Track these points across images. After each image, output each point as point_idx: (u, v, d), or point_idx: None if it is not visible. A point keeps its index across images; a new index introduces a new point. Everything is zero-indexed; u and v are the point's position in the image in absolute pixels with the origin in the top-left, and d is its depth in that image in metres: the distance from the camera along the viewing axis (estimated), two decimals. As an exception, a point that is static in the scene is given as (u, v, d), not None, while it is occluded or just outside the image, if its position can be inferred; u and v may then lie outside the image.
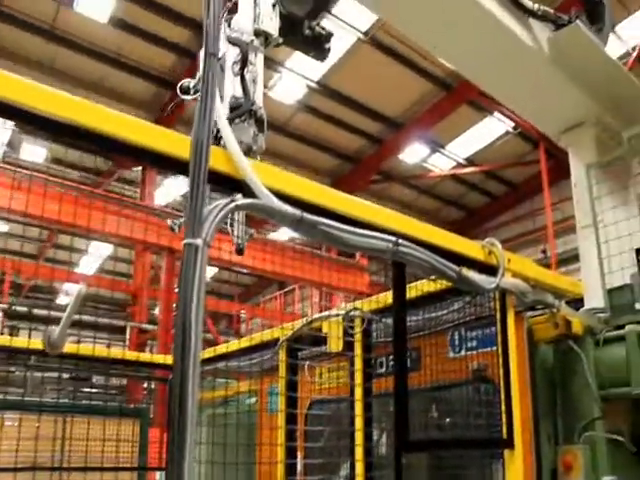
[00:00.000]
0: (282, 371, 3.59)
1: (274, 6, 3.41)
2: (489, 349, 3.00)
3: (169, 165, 1.66)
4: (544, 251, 19.26)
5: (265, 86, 11.88)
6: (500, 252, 2.75)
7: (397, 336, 2.35)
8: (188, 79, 3.57)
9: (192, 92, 3.41)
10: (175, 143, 1.63)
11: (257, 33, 3.37)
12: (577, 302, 3.95)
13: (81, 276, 19.99)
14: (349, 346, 3.21)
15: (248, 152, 3.02)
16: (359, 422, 2.92)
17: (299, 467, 3.48)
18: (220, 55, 3.13)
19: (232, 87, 3.20)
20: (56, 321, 2.62)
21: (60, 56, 14.14)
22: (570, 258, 15.02)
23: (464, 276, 2.47)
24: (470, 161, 19.02)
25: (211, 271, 23.00)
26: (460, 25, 3.66)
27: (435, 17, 3.62)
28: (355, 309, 3.28)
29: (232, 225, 2.85)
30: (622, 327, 3.29)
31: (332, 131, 17.14)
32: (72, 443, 4.88)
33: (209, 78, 1.51)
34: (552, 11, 3.70)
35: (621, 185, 4.15)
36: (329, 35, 3.61)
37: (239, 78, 3.17)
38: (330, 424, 3.66)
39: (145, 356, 5.51)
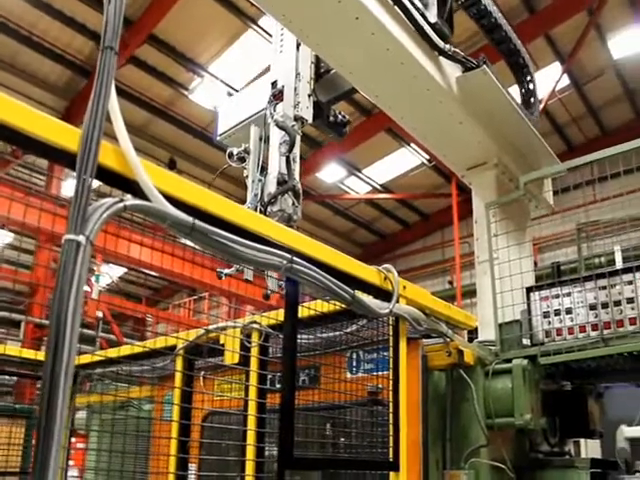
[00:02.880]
0: (177, 381, 3.53)
1: (309, 96, 4.23)
2: (386, 372, 3.07)
3: (56, 157, 1.61)
4: (451, 282, 20.02)
5: (186, 88, 11.88)
6: (395, 278, 2.84)
7: (286, 352, 2.37)
8: (234, 148, 4.43)
9: (235, 158, 4.36)
10: (64, 134, 1.59)
11: (296, 118, 4.14)
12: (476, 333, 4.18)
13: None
14: (246, 360, 3.21)
15: (289, 221, 3.90)
16: (251, 437, 2.90)
17: (192, 479, 3.43)
18: (270, 135, 4.13)
19: (278, 164, 4.00)
20: None
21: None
22: (475, 291, 15.64)
23: (358, 299, 2.54)
24: (385, 187, 19.54)
25: (120, 270, 22.27)
26: (375, 57, 3.80)
27: (351, 47, 3.76)
28: (253, 322, 3.28)
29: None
30: (510, 360, 3.51)
31: (252, 142, 17.12)
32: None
33: (105, 71, 1.49)
34: (462, 53, 3.91)
35: (518, 226, 4.42)
36: (347, 122, 4.51)
37: (284, 158, 3.97)
38: (226, 437, 3.62)
39: (14, 349, 5.18)
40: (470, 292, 16.71)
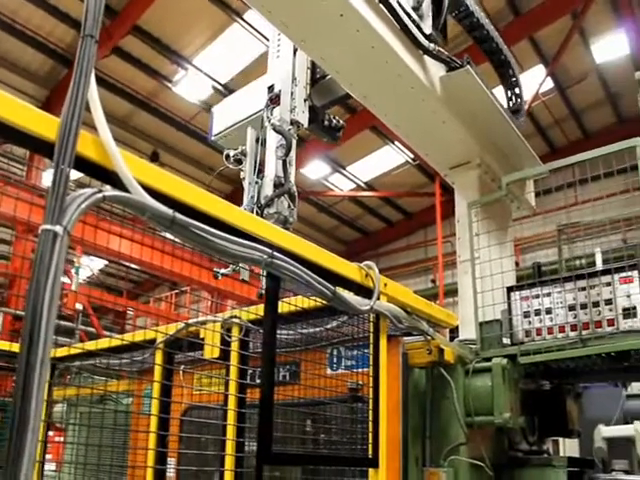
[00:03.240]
0: (157, 374, 3.51)
1: (305, 101, 4.37)
2: (366, 369, 3.09)
3: (35, 146, 1.58)
4: (433, 281, 20.14)
5: (170, 81, 11.89)
6: (376, 276, 2.84)
7: (266, 348, 2.37)
8: (231, 150, 4.52)
9: (232, 160, 4.44)
10: (42, 123, 1.56)
11: (292, 122, 4.27)
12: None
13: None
14: (226, 354, 3.19)
15: (285, 223, 4.00)
16: (230, 432, 2.89)
17: (170, 473, 3.41)
18: (266, 139, 4.24)
19: (275, 167, 4.12)
20: None
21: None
22: (457, 290, 15.74)
23: (339, 296, 2.54)
24: (369, 185, 19.58)
25: (100, 263, 22.06)
26: (360, 55, 3.80)
27: (336, 44, 3.76)
28: (234, 317, 3.26)
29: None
30: (490, 359, 3.53)
31: (236, 136, 17.05)
32: None
33: (84, 60, 1.47)
34: (446, 53, 3.92)
35: (499, 226, 4.45)
36: (342, 127, 4.69)
37: (281, 161, 4.10)
38: (206, 432, 3.61)
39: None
40: (452, 291, 16.83)
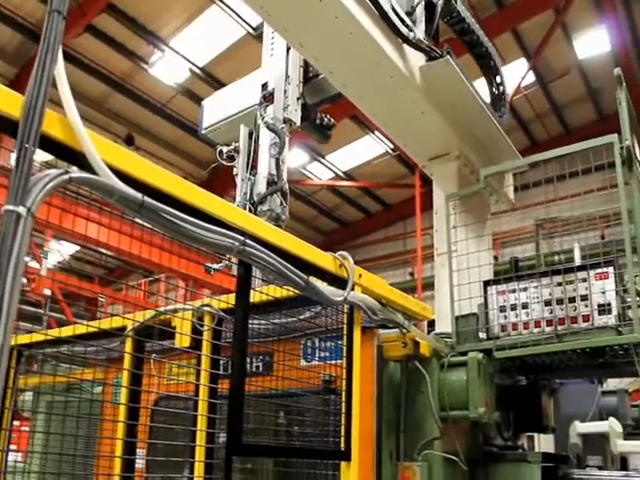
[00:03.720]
0: (126, 363, 3.47)
1: (298, 99, 4.50)
2: (341, 361, 3.08)
3: (-3, 123, 1.55)
4: (412, 274, 20.25)
5: (146, 62, 11.83)
6: (351, 266, 2.83)
7: (237, 337, 2.35)
8: (224, 146, 4.63)
9: (224, 156, 4.55)
10: (6, 100, 1.52)
11: (285, 120, 4.40)
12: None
13: None
14: (198, 344, 3.16)
15: (277, 220, 4.10)
16: (202, 422, 2.87)
17: (140, 464, 3.38)
18: (259, 136, 4.36)
19: (268, 165, 4.23)
20: None
21: None
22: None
23: (312, 285, 2.53)
24: (348, 175, 19.59)
25: (71, 248, 21.78)
26: (338, 41, 3.79)
27: (314, 30, 3.74)
28: (206, 305, 3.23)
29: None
30: (466, 353, 3.55)
31: (213, 121, 16.91)
32: None
33: (51, 37, 1.43)
34: (426, 42, 3.93)
35: (478, 219, 4.48)
36: (332, 125, 4.79)
37: (274, 160, 4.23)
38: (177, 422, 3.58)
39: None
40: (431, 284, 16.80)
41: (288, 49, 4.60)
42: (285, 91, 4.53)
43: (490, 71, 4.97)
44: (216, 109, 5.33)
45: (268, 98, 4.54)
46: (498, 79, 5.01)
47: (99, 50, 14.35)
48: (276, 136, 4.34)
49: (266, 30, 4.85)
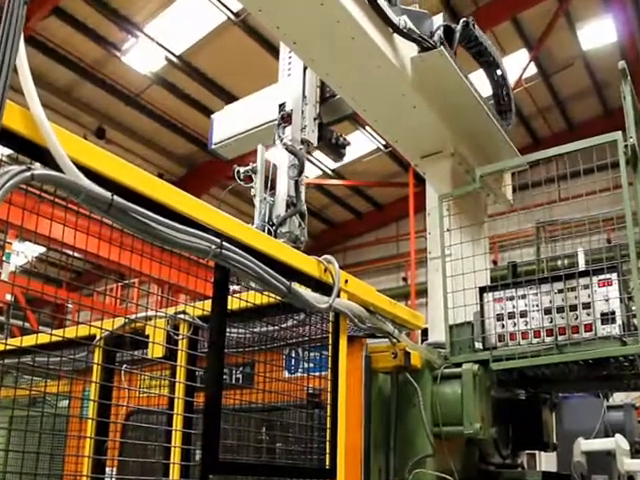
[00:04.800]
0: (95, 374, 3.45)
1: (315, 119, 4.80)
2: (326, 373, 3.08)
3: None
4: (405, 279, 20.27)
5: (118, 49, 11.88)
6: (336, 271, 2.85)
7: (213, 347, 2.35)
8: (241, 166, 4.86)
9: (242, 177, 4.73)
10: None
11: (302, 141, 4.70)
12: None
13: None
14: (174, 354, 3.16)
15: (295, 242, 4.37)
16: (177, 438, 2.86)
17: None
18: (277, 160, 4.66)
19: (287, 187, 4.52)
20: None
21: None
22: (429, 289, 15.88)
23: (294, 291, 2.54)
24: (337, 173, 19.59)
25: (35, 250, 21.59)
26: (324, 31, 3.80)
27: (300, 19, 3.75)
28: (181, 312, 3.22)
29: None
30: (460, 365, 3.56)
31: (191, 113, 16.84)
32: None
33: (12, 22, 1.43)
34: (418, 32, 3.95)
35: (473, 221, 4.49)
36: (347, 144, 5.18)
37: (293, 181, 4.53)
38: (150, 439, 3.57)
39: None
40: (425, 290, 16.81)
41: (305, 69, 4.85)
42: (302, 111, 4.81)
43: (498, 84, 5.24)
44: (227, 124, 5.63)
45: (286, 119, 4.81)
46: (505, 91, 5.25)
47: (67, 35, 14.26)
48: (294, 157, 4.60)
49: (282, 49, 5.10)
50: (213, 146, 5.71)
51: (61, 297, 20.87)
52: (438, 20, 4.33)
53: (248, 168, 4.81)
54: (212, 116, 6.02)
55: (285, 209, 4.52)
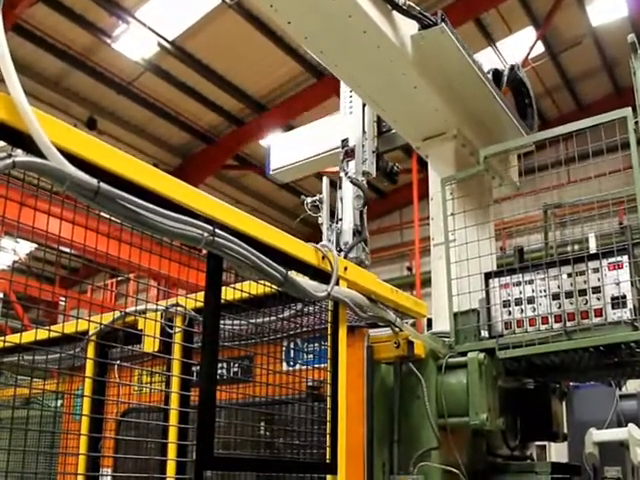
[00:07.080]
0: (89, 371, 3.46)
1: (373, 152, 5.47)
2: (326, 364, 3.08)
3: None
4: (409, 268, 20.29)
5: (109, 36, 11.98)
6: (335, 258, 2.84)
7: (207, 339, 2.35)
8: (310, 197, 5.60)
9: (309, 206, 5.48)
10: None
11: (363, 173, 5.39)
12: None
13: None
14: (168, 348, 3.16)
15: (360, 264, 4.72)
16: (173, 434, 2.87)
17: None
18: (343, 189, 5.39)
19: (352, 216, 5.22)
20: None
21: None
22: (435, 277, 15.88)
23: (291, 280, 2.53)
24: (338, 159, 19.54)
25: (28, 247, 21.62)
26: (320, 9, 3.79)
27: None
28: (176, 305, 3.22)
29: None
30: (466, 354, 3.56)
31: (184, 101, 16.86)
32: None
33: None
34: (418, 8, 3.92)
35: (478, 205, 4.48)
36: (400, 171, 5.86)
37: (358, 212, 5.21)
38: (146, 435, 3.58)
39: None
40: (430, 280, 16.85)
41: (364, 106, 5.45)
42: (363, 146, 5.47)
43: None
44: (284, 152, 6.49)
45: (350, 154, 5.49)
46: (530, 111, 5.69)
47: (56, 22, 14.24)
48: (359, 189, 5.23)
49: (343, 87, 5.66)
50: (271, 172, 6.56)
51: (45, 289, 20.92)
52: (485, 62, 4.75)
53: (315, 199, 5.52)
54: (269, 143, 6.92)
55: (352, 237, 5.19)
